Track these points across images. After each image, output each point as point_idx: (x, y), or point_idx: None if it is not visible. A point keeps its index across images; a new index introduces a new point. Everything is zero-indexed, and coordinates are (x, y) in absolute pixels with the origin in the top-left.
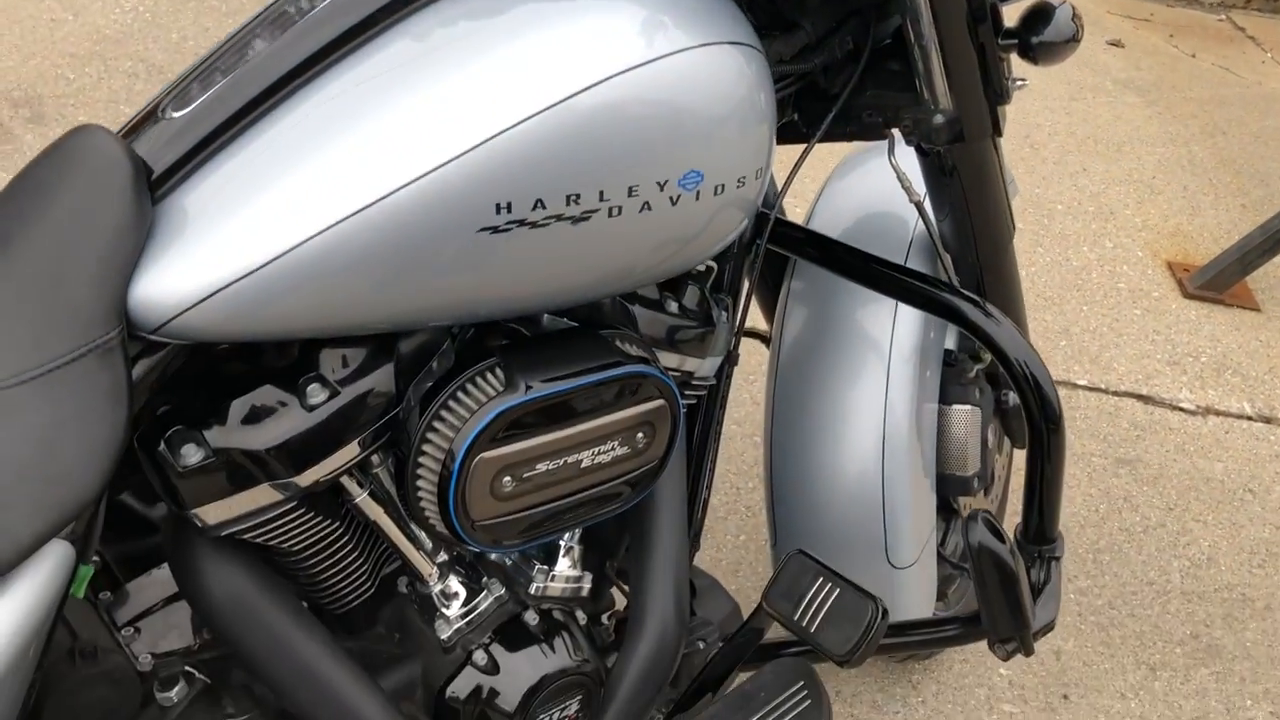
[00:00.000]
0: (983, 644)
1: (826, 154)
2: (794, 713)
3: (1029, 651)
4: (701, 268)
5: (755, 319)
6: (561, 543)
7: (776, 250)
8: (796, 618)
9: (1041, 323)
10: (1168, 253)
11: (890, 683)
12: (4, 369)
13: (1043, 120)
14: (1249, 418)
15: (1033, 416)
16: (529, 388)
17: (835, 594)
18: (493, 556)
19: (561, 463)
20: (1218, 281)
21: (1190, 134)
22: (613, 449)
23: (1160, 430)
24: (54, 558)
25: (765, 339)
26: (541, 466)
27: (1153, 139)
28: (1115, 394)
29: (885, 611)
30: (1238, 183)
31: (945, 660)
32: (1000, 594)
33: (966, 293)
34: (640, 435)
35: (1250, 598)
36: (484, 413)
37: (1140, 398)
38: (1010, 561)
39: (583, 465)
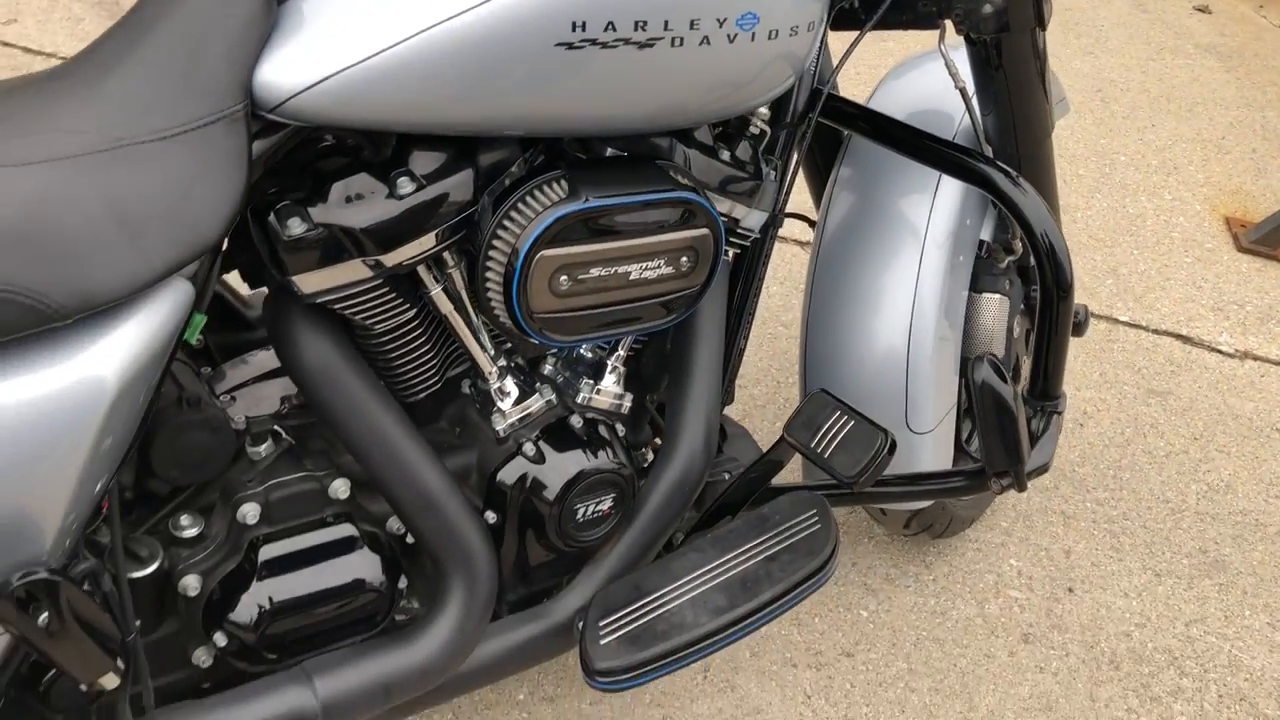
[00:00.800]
0: (995, 535)
1: (880, 64)
2: (804, 534)
3: (1021, 487)
4: (755, 130)
5: (804, 206)
6: (609, 362)
7: (828, 124)
8: (813, 445)
9: (1090, 262)
10: (1226, 208)
11: (905, 560)
12: (146, 127)
13: (1117, 77)
14: None
15: (1045, 282)
16: (588, 198)
17: (850, 425)
18: (545, 369)
19: (612, 271)
20: (1272, 238)
21: (1267, 100)
22: (659, 267)
23: (1195, 368)
24: (177, 291)
25: (809, 221)
26: (594, 271)
27: (1227, 102)
28: (1155, 332)
29: (894, 443)
30: None
31: (958, 545)
32: (998, 429)
33: (1001, 164)
34: (684, 259)
35: (1263, 524)
36: (546, 215)
37: (1179, 337)
38: (1010, 400)
39: (631, 277)
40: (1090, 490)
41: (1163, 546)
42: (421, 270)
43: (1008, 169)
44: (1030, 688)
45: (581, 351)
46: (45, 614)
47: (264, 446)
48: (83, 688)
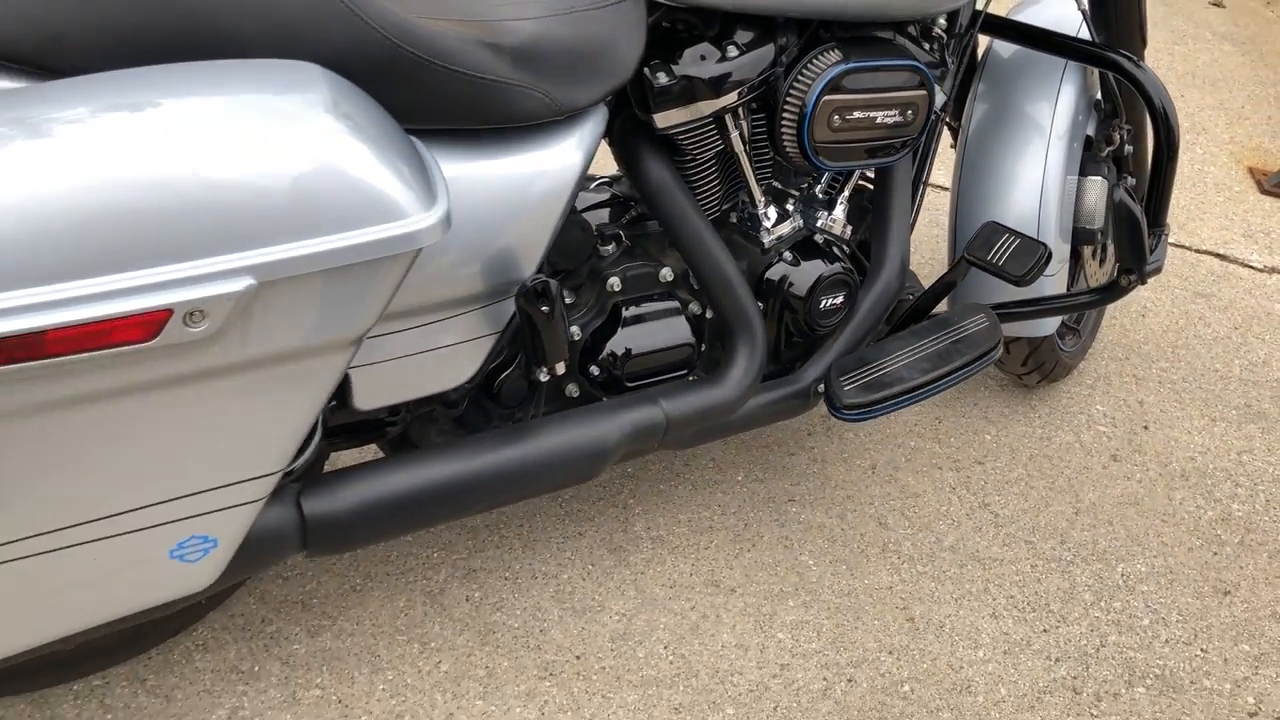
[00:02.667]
0: (1083, 389)
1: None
2: (977, 329)
3: (1144, 280)
4: (937, 33)
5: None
6: (838, 200)
7: (984, 35)
8: (988, 258)
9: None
10: (1249, 161)
11: (1015, 401)
12: (552, 2)
13: (1148, 59)
14: None
15: (1159, 138)
16: (855, 60)
17: (1015, 243)
18: (789, 205)
19: (867, 114)
20: None
21: (1278, 78)
22: (894, 115)
23: (1232, 279)
24: (599, 114)
25: (953, 128)
26: (856, 113)
27: (1244, 79)
28: (1197, 251)
29: (1050, 252)
30: None
31: (1055, 393)
32: (1130, 234)
33: (1125, 52)
34: (910, 112)
35: None
36: (829, 71)
37: (1217, 255)
38: (1139, 213)
39: (876, 120)
40: (1154, 361)
41: (1215, 401)
42: (727, 118)
43: (1131, 56)
44: (1121, 489)
45: (816, 192)
46: (544, 305)
47: (610, 247)
48: (541, 377)
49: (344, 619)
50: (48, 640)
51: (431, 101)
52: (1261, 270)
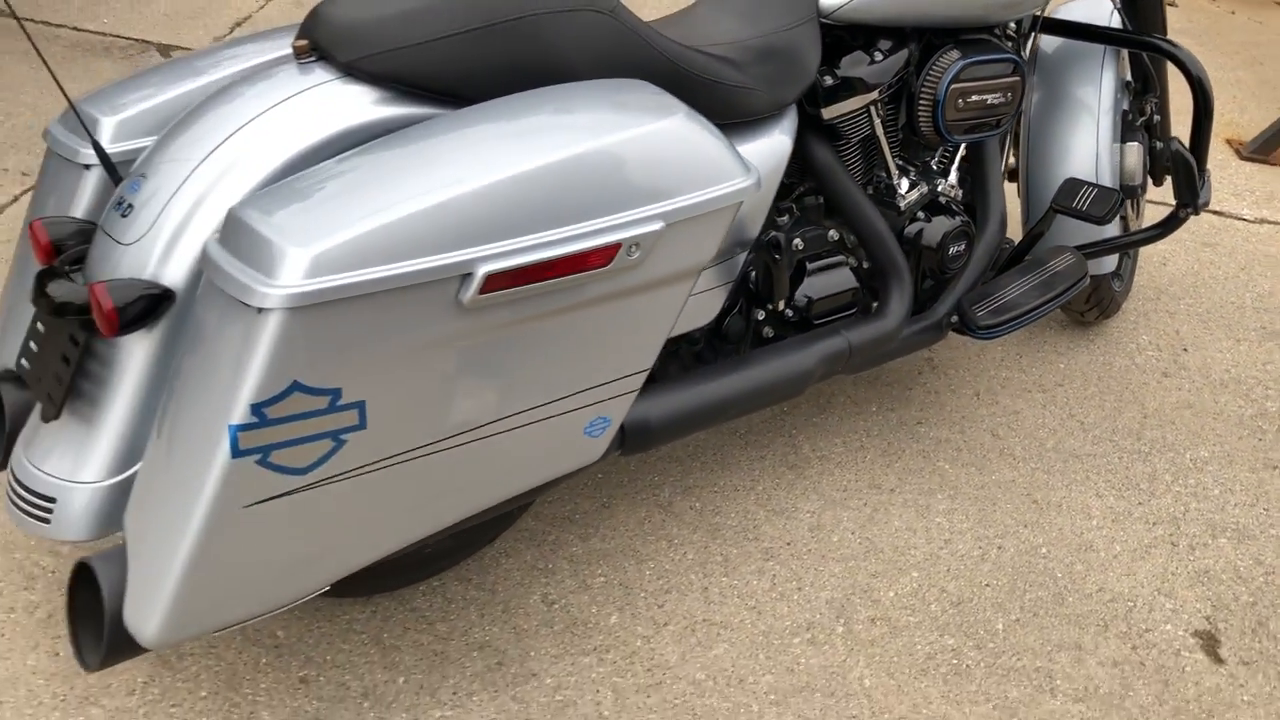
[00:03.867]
0: (1127, 324)
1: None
2: (1065, 265)
3: (1198, 211)
4: (1012, 32)
5: None
6: (951, 169)
7: (1046, 34)
8: (1073, 205)
9: None
10: (1225, 134)
11: (1074, 338)
12: (777, 25)
13: None
14: None
15: (1197, 103)
16: (972, 55)
17: (1093, 192)
18: (914, 177)
19: (981, 97)
20: (1264, 148)
21: (1235, 64)
22: (998, 96)
23: (1230, 230)
24: (794, 111)
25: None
26: (974, 97)
27: (1207, 66)
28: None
29: (1123, 197)
30: (1274, 93)
31: (1105, 330)
32: (1186, 175)
33: (1167, 39)
34: (1009, 94)
35: None
36: (956, 64)
37: (1215, 212)
38: (1191, 159)
39: (986, 101)
40: (1180, 299)
41: (1236, 326)
42: (872, 108)
43: (1173, 41)
44: (1176, 397)
45: (933, 164)
46: (777, 255)
47: (784, 217)
48: (760, 316)
49: (604, 527)
50: (495, 503)
51: (696, 104)
52: (1253, 221)
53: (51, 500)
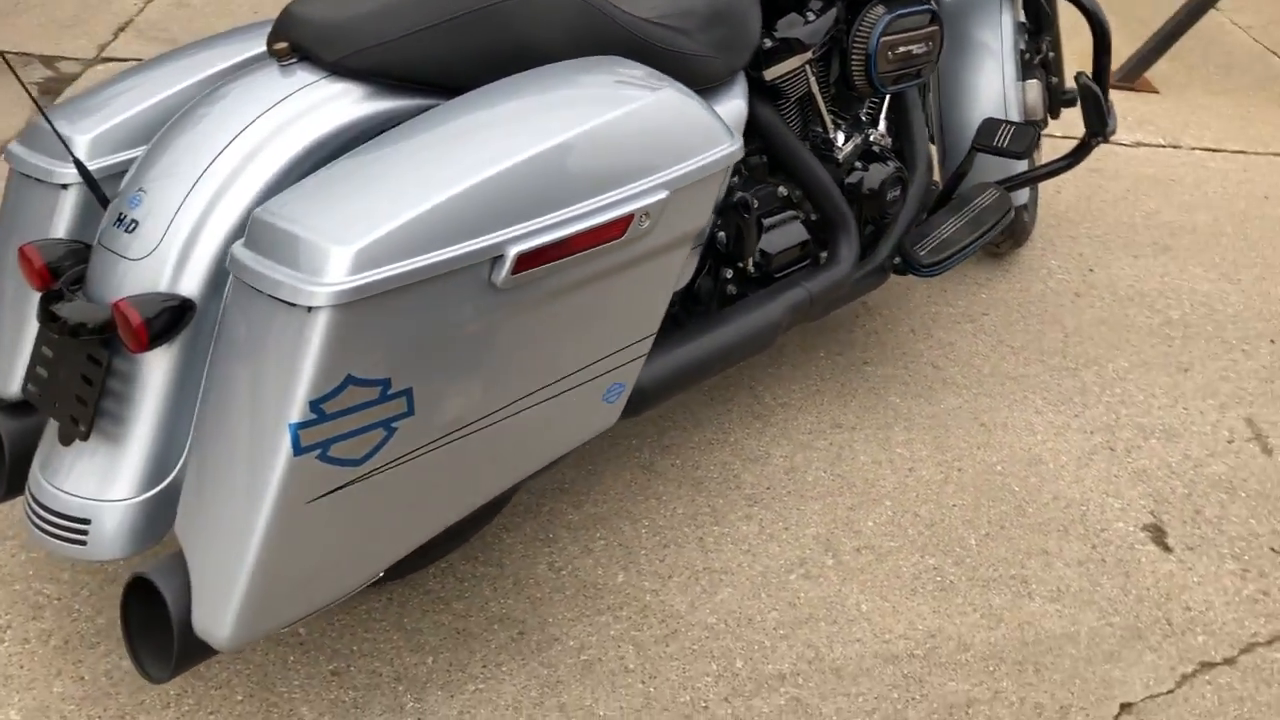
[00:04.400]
0: (1036, 252)
1: None
2: (992, 200)
3: (1107, 139)
4: None
5: None
6: (879, 119)
7: None
8: (994, 144)
9: None
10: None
11: (988, 265)
12: None
13: None
14: (1164, 145)
15: (1097, 42)
16: (897, 9)
17: (1011, 129)
18: (845, 129)
19: (906, 48)
20: (1129, 76)
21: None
22: (923, 45)
23: (1111, 155)
24: (743, 78)
25: None
26: (901, 49)
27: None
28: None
29: (1040, 132)
30: (1136, 28)
31: (1018, 257)
32: (1094, 107)
33: None
34: (930, 42)
35: (1184, 228)
36: (883, 19)
37: None
38: (1098, 90)
39: (913, 52)
40: (1078, 224)
41: (1131, 244)
42: (808, 66)
43: None
44: (1090, 314)
45: (862, 116)
46: (745, 214)
47: (734, 177)
48: (728, 275)
49: (594, 493)
50: (527, 475)
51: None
52: (1131, 145)
53: (85, 521)
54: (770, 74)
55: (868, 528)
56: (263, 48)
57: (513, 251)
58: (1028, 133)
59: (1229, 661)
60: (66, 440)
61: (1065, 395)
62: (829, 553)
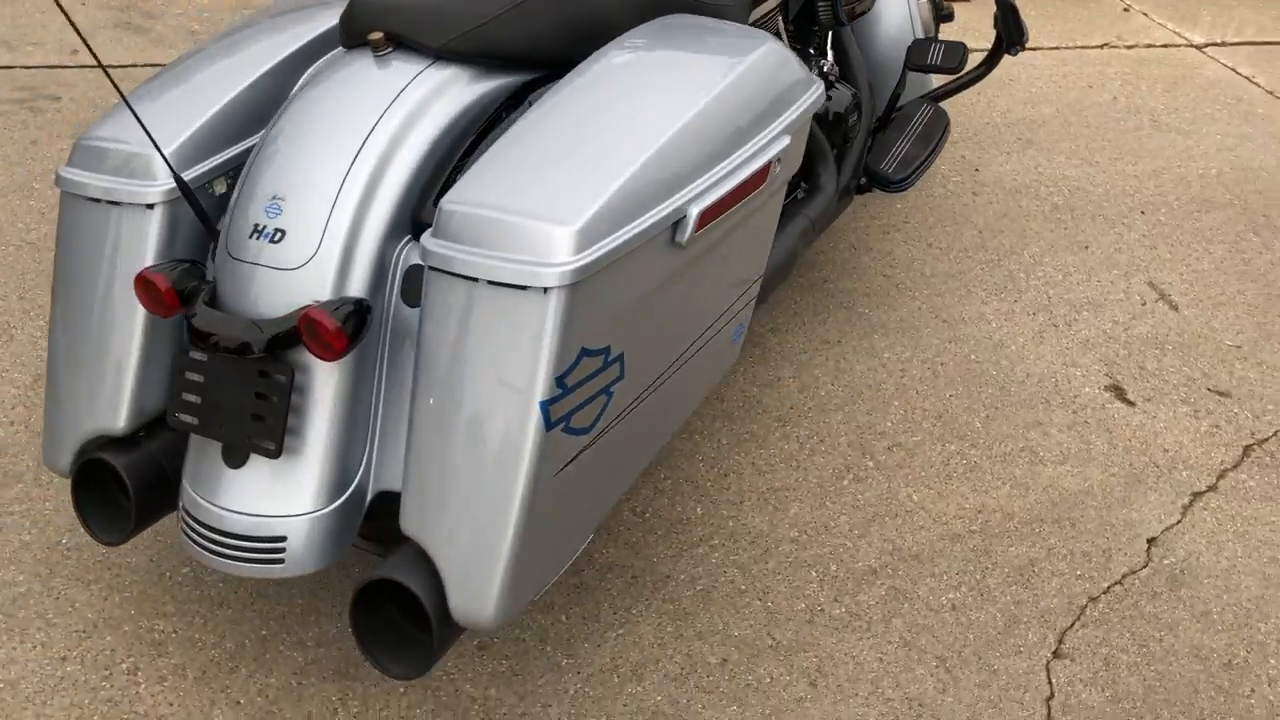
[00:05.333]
0: (940, 173)
1: None
2: (932, 113)
3: (1024, 47)
4: None
5: None
6: (828, 51)
7: None
8: (928, 62)
9: None
10: None
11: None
12: None
13: None
14: None
15: None
16: None
17: (941, 48)
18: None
19: None
20: None
21: None
22: None
23: None
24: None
25: None
26: None
27: None
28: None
29: (967, 47)
30: None
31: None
32: (1012, 18)
33: None
34: None
35: (1034, 120)
36: None
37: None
38: (1014, 4)
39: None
40: (1013, 128)
41: (1001, 141)
42: (779, 6)
43: None
44: (991, 209)
45: (811, 50)
46: None
47: None
48: None
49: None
50: (678, 428)
51: None
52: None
53: (280, 539)
54: (753, 15)
55: (889, 428)
56: (312, 30)
57: (695, 210)
58: (957, 48)
59: (1212, 489)
60: (237, 462)
61: (1000, 284)
62: (866, 455)
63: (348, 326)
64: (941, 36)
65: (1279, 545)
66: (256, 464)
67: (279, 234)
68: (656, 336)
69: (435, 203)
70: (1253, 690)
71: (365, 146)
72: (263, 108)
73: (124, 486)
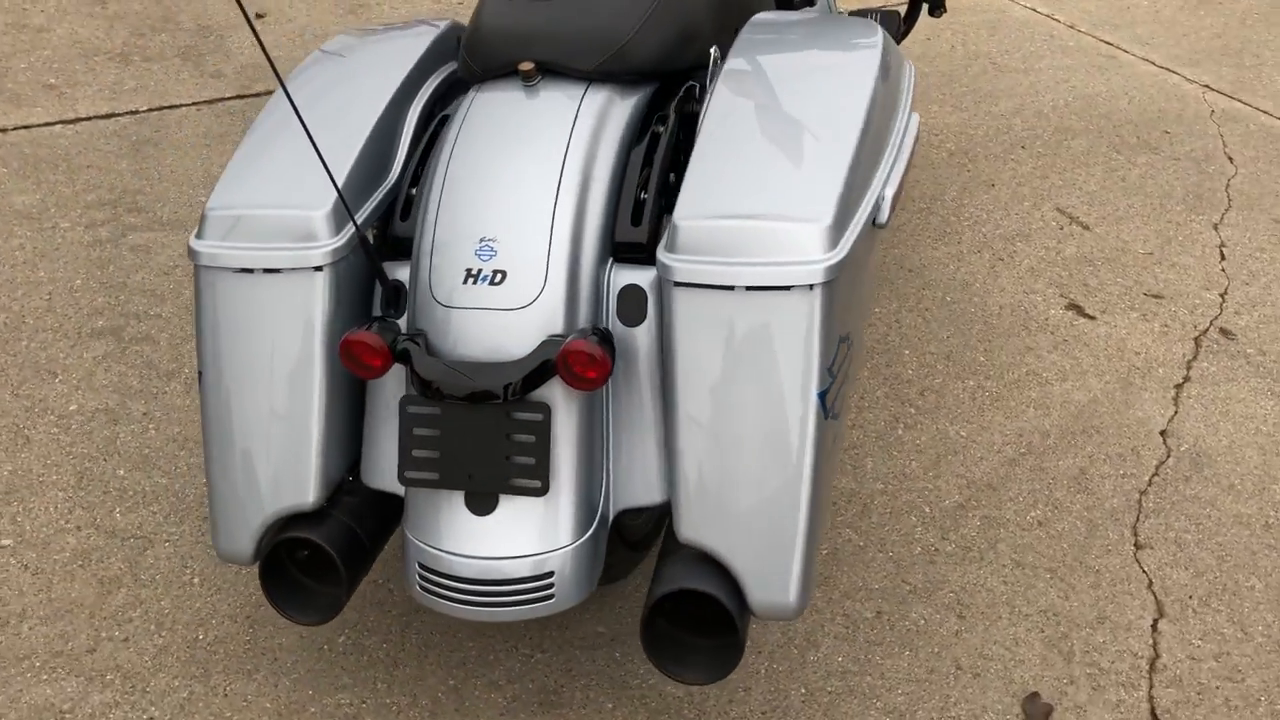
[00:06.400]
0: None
1: None
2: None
3: (945, 11)
4: None
5: None
6: None
7: None
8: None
9: None
10: None
11: None
12: None
13: None
14: None
15: None
16: None
17: (879, 15)
18: None
19: None
20: None
21: None
22: None
23: None
24: None
25: None
26: None
27: None
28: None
29: (900, 14)
30: None
31: None
32: None
33: None
34: None
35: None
36: None
37: None
38: None
39: None
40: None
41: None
42: None
43: None
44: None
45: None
46: None
47: None
48: None
49: None
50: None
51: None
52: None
53: (549, 575)
54: None
55: (912, 375)
56: (402, 66)
57: (889, 193)
58: (893, 16)
59: (1187, 379)
60: (486, 509)
61: (941, 230)
62: (906, 404)
63: (611, 354)
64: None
65: (1260, 418)
66: (508, 505)
67: (499, 275)
68: (859, 316)
69: (634, 222)
70: None
71: (564, 177)
72: (382, 153)
73: (323, 561)
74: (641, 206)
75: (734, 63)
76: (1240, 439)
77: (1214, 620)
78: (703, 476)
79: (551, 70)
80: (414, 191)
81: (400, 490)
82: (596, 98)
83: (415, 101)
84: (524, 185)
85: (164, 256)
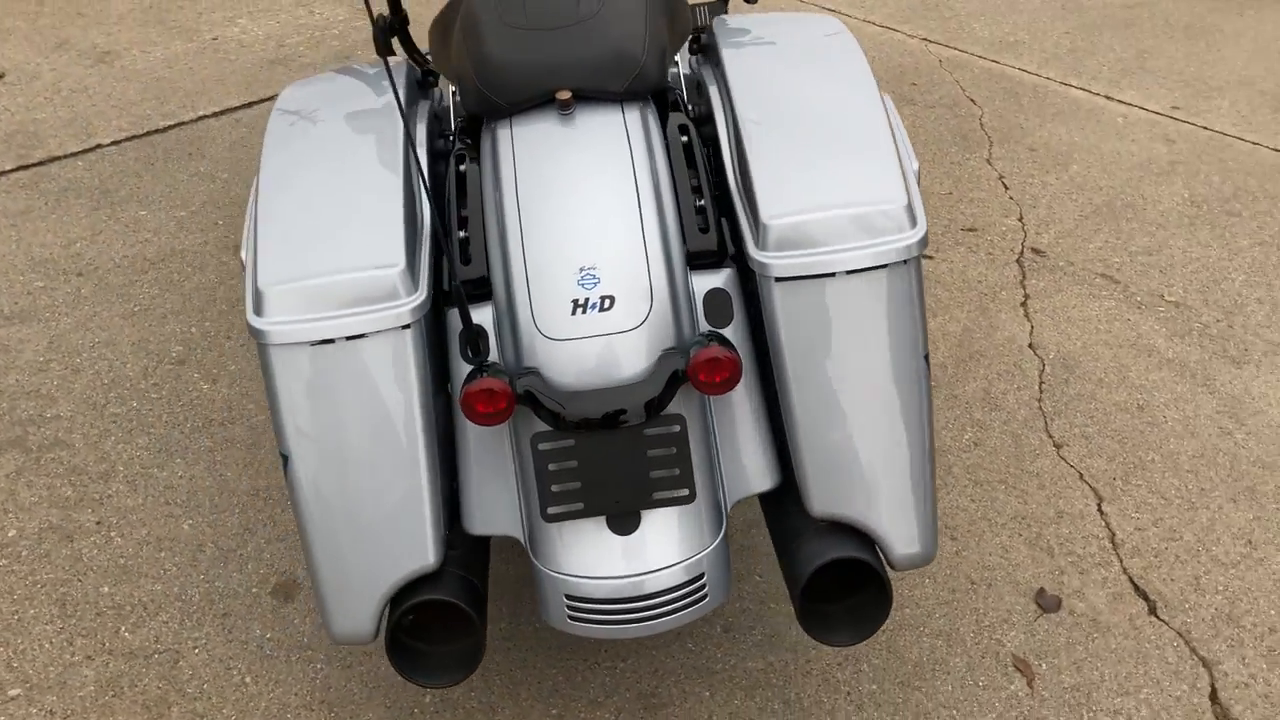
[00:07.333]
0: None
1: None
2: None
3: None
4: None
5: None
6: None
7: None
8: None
9: None
10: None
11: None
12: None
13: None
14: None
15: None
16: None
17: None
18: None
19: None
20: None
21: None
22: None
23: None
24: None
25: None
26: None
27: None
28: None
29: None
30: None
31: None
32: None
33: None
34: None
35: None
36: None
37: None
38: None
39: None
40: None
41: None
42: None
43: None
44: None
45: None
46: None
47: None
48: None
49: None
50: None
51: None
52: None
53: (700, 577)
54: None
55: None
56: (387, 101)
57: (914, 168)
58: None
59: (1027, 298)
60: (629, 527)
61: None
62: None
63: (736, 354)
64: None
65: (1095, 319)
66: (650, 519)
67: (608, 301)
68: None
69: (701, 229)
70: (1163, 414)
71: (640, 196)
72: (409, 201)
73: (432, 621)
74: (703, 214)
75: (732, 67)
76: (1089, 340)
77: (1139, 494)
78: (829, 453)
79: (581, 95)
80: (463, 234)
81: (498, 531)
82: (633, 117)
83: (419, 146)
84: (608, 210)
85: (28, 353)
